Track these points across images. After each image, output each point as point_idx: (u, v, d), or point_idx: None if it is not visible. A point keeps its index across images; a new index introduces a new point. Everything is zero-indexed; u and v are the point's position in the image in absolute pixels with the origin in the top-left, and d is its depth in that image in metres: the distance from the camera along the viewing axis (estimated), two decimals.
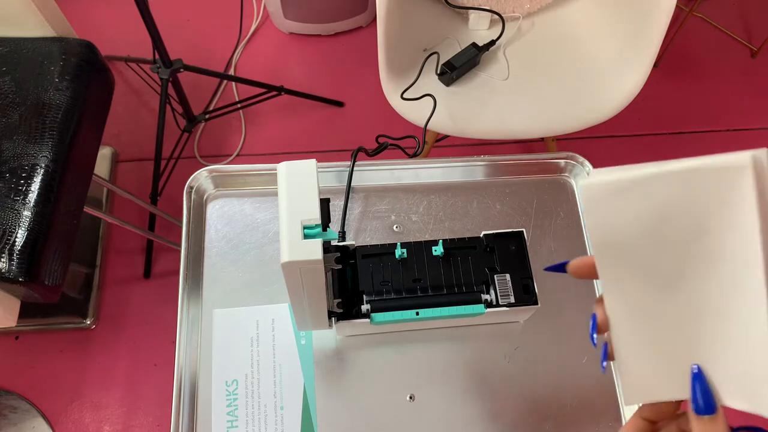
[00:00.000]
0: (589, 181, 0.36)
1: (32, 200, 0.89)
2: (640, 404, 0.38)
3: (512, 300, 0.60)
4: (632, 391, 0.37)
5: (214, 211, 0.76)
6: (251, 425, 0.65)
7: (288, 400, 0.66)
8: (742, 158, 0.31)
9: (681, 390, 0.35)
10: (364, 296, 0.61)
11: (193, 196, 0.75)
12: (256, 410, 0.65)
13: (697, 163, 0.32)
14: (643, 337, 0.37)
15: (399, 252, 0.62)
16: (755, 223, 0.31)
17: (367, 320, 0.60)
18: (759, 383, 0.32)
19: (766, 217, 0.31)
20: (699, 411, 0.33)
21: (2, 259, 0.85)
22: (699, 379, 0.34)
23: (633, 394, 0.37)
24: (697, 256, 0.34)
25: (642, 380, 0.37)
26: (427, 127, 0.98)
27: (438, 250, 0.62)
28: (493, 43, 1.16)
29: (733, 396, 0.33)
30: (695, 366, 0.34)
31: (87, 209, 1.07)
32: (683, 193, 0.34)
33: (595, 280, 0.73)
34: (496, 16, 1.22)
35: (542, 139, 1.62)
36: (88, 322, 1.43)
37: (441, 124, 1.10)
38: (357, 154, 0.76)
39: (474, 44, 1.15)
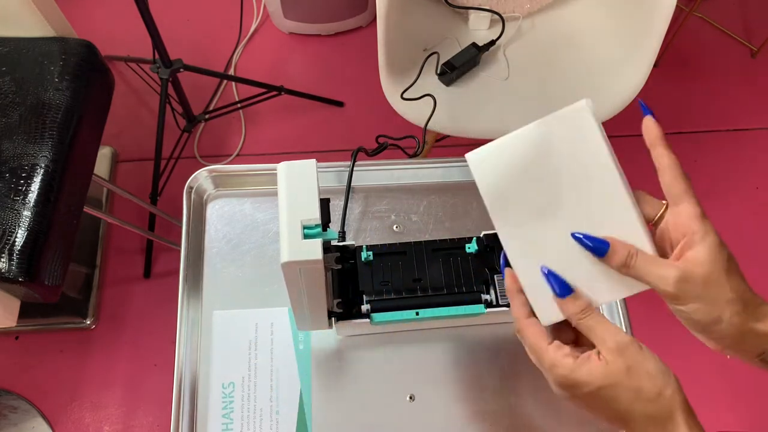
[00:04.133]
0: (470, 153, 0.46)
1: (32, 200, 0.89)
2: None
3: None
4: (543, 315, 0.47)
5: (214, 211, 0.76)
6: (246, 429, 0.65)
7: (284, 404, 0.66)
8: (579, 103, 0.43)
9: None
10: (364, 296, 0.61)
11: (193, 196, 0.75)
12: (251, 414, 0.65)
13: (548, 117, 0.44)
14: (536, 267, 0.46)
15: (365, 255, 0.62)
16: (601, 143, 0.43)
17: (367, 320, 0.60)
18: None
19: (606, 142, 0.43)
20: (562, 294, 0.45)
21: (2, 259, 0.85)
22: (550, 273, 0.45)
23: (545, 318, 0.47)
24: (565, 185, 0.44)
25: (547, 305, 0.46)
26: (427, 127, 0.98)
27: (471, 247, 0.62)
28: (493, 43, 1.16)
29: (611, 291, 0.44)
30: (544, 268, 0.45)
31: (87, 209, 1.07)
32: (542, 141, 0.44)
33: None
34: (496, 16, 1.22)
35: None
36: (88, 322, 1.43)
37: (441, 124, 1.10)
38: (357, 154, 0.76)
39: (474, 44, 1.15)
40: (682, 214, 0.42)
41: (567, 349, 0.43)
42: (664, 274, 0.41)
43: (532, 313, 0.47)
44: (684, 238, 0.42)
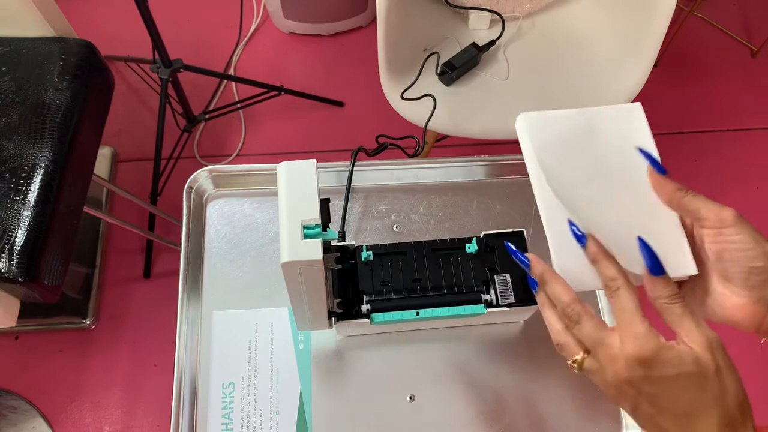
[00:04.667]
0: (525, 114, 0.49)
1: (32, 200, 0.89)
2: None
3: (512, 300, 0.60)
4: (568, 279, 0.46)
5: (214, 211, 0.76)
6: (246, 429, 0.65)
7: (284, 404, 0.66)
8: (634, 104, 0.48)
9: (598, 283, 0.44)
10: (364, 296, 0.61)
11: (193, 196, 0.75)
12: (251, 414, 0.65)
13: (602, 107, 0.48)
14: (569, 238, 0.46)
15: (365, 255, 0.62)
16: (653, 146, 0.47)
17: (367, 320, 0.60)
18: (673, 256, 0.44)
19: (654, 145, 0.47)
20: (656, 273, 0.41)
21: (2, 259, 0.85)
22: (645, 246, 0.42)
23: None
24: (615, 171, 0.47)
25: (572, 275, 0.45)
26: (427, 127, 0.98)
27: (471, 247, 0.62)
28: (493, 43, 1.16)
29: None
30: (640, 239, 0.43)
31: (87, 209, 1.07)
32: (593, 125, 0.48)
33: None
34: (496, 16, 1.22)
35: None
36: (88, 322, 1.43)
37: (441, 124, 1.10)
38: (357, 154, 0.76)
39: (474, 44, 1.15)
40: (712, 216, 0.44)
41: (652, 327, 0.40)
42: (724, 215, 0.42)
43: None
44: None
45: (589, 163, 0.48)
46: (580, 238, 0.44)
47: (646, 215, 0.46)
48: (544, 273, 0.45)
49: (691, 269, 0.44)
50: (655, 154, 0.47)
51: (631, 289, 0.41)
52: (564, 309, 0.43)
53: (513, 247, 0.49)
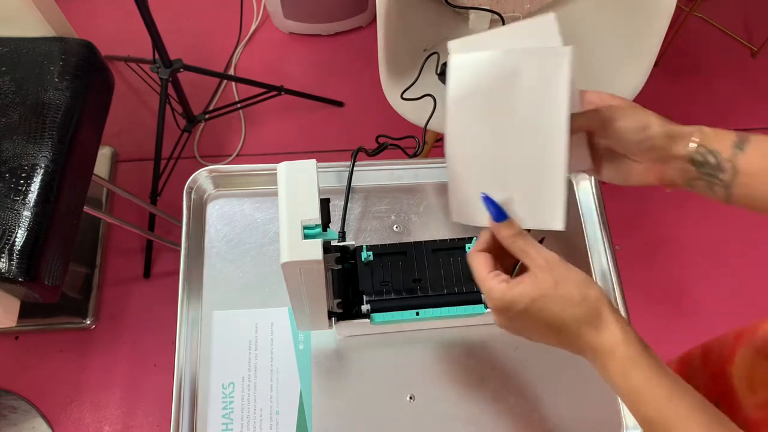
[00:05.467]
0: (455, 55, 0.51)
1: (32, 200, 0.89)
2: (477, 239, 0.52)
3: None
4: (456, 213, 0.54)
5: (214, 211, 0.76)
6: (246, 429, 0.65)
7: (284, 404, 0.66)
8: (564, 48, 0.47)
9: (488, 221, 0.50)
10: (364, 296, 0.61)
11: (193, 196, 0.75)
12: (251, 414, 0.65)
13: (532, 49, 0.48)
14: (469, 175, 0.52)
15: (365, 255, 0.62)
16: (565, 95, 0.47)
17: (367, 320, 0.60)
18: (549, 207, 0.49)
19: (570, 94, 0.47)
20: (498, 219, 0.49)
21: (2, 259, 0.85)
22: (488, 199, 0.50)
23: (456, 215, 0.54)
24: (519, 115, 0.49)
25: (463, 207, 0.52)
26: (427, 127, 0.98)
27: (468, 247, 0.62)
28: None
29: (530, 221, 0.49)
30: (482, 194, 0.50)
31: (87, 209, 1.07)
32: (515, 68, 0.48)
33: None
34: (496, 16, 1.22)
35: None
36: (88, 322, 1.43)
37: (441, 124, 1.09)
38: (357, 154, 0.76)
39: None
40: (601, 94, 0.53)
41: (504, 276, 0.48)
42: (542, 259, 0.48)
43: (487, 250, 0.51)
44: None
45: (502, 109, 0.50)
46: (500, 215, 0.49)
47: (537, 169, 0.49)
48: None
49: (558, 226, 0.49)
50: (564, 105, 0.47)
51: (475, 255, 0.50)
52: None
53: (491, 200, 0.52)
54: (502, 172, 0.51)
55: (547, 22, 0.50)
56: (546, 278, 0.46)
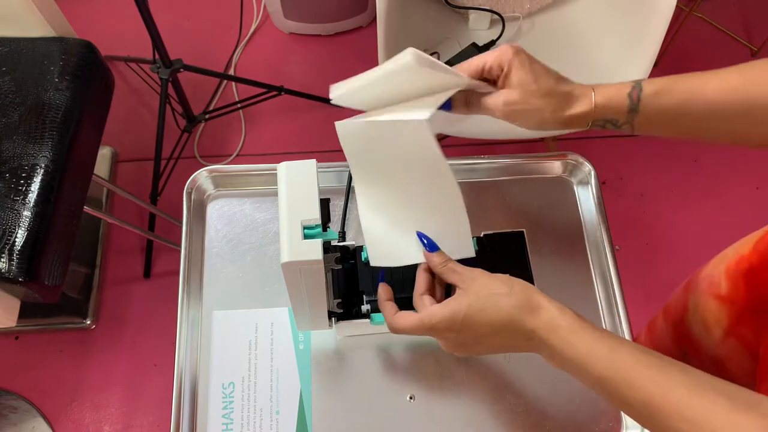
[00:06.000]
0: (341, 122, 0.56)
1: (32, 200, 0.89)
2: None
3: None
4: (375, 259, 0.58)
5: (214, 211, 0.76)
6: (246, 429, 0.65)
7: (284, 404, 0.66)
8: (421, 117, 0.50)
9: (410, 258, 0.57)
10: (364, 296, 0.61)
11: (193, 196, 0.75)
12: (251, 414, 0.65)
13: (398, 117, 0.52)
14: (384, 224, 0.58)
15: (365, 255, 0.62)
16: (437, 149, 0.51)
17: (367, 320, 0.60)
18: (461, 240, 0.56)
19: (439, 147, 0.51)
20: (431, 249, 0.55)
21: (2, 259, 0.85)
22: (422, 235, 0.56)
23: (376, 261, 0.58)
24: (410, 167, 0.54)
25: (382, 253, 0.58)
26: None
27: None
28: (493, 43, 1.16)
29: (448, 252, 0.55)
30: (417, 232, 0.56)
31: (87, 209, 1.07)
32: (395, 132, 0.53)
33: (595, 287, 0.74)
34: (496, 16, 1.22)
35: (542, 139, 1.62)
36: (88, 322, 1.43)
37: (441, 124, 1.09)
38: None
39: (474, 44, 1.15)
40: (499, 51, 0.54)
41: (429, 300, 0.53)
42: (495, 103, 0.54)
43: (427, 290, 0.55)
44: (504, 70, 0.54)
45: (394, 166, 0.56)
46: (434, 246, 0.55)
47: (441, 210, 0.56)
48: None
49: (471, 253, 0.56)
50: (438, 153, 0.52)
51: (400, 315, 0.54)
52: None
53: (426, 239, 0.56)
54: (412, 216, 0.57)
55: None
56: (475, 285, 0.51)
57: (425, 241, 0.56)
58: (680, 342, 0.75)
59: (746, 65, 0.51)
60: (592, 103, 0.53)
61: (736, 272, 0.66)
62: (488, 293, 0.50)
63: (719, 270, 0.69)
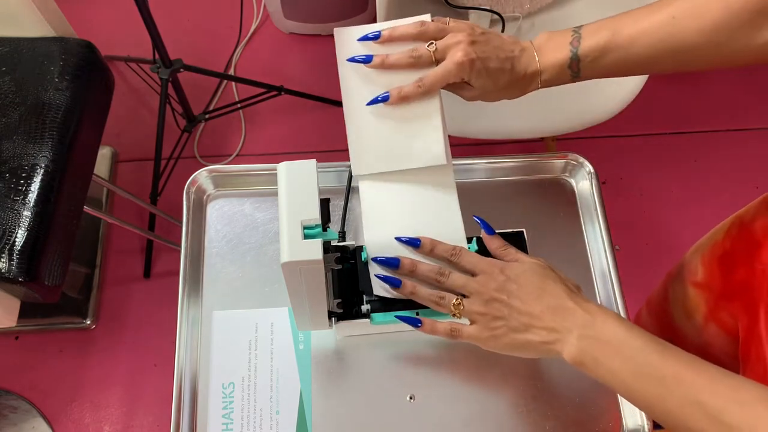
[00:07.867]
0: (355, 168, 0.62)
1: (32, 200, 0.89)
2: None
3: None
4: (359, 166, 0.61)
5: (214, 211, 0.76)
6: (246, 429, 0.65)
7: (284, 404, 0.66)
8: (441, 160, 0.62)
9: (392, 165, 0.61)
10: (364, 296, 0.61)
11: (193, 196, 0.75)
12: (251, 414, 0.65)
13: (424, 167, 0.62)
14: (369, 131, 0.60)
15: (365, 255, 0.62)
16: (453, 186, 0.63)
17: (367, 320, 0.60)
18: (432, 148, 0.61)
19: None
20: (489, 233, 0.59)
21: (2, 259, 0.85)
22: (481, 221, 0.60)
23: (359, 168, 0.61)
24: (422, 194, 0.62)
25: (366, 159, 0.61)
26: None
27: (472, 247, 0.62)
28: None
29: (419, 159, 0.61)
30: (474, 215, 0.61)
31: (87, 209, 1.07)
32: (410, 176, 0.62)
33: (595, 287, 0.73)
34: (496, 16, 1.22)
35: (542, 139, 1.62)
36: (88, 322, 1.43)
37: None
38: None
39: None
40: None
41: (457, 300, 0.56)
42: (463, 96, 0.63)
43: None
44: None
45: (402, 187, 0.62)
46: (414, 241, 0.59)
47: (439, 212, 0.62)
48: (411, 264, 0.58)
49: (464, 243, 0.60)
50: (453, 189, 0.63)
51: (466, 249, 0.58)
52: (437, 272, 0.57)
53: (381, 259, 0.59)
54: (420, 223, 0.61)
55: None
56: (541, 263, 0.56)
57: (484, 227, 0.60)
58: (664, 332, 0.76)
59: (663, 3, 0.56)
60: (538, 83, 0.61)
61: (711, 258, 0.67)
62: (552, 267, 0.56)
63: (696, 258, 0.70)
